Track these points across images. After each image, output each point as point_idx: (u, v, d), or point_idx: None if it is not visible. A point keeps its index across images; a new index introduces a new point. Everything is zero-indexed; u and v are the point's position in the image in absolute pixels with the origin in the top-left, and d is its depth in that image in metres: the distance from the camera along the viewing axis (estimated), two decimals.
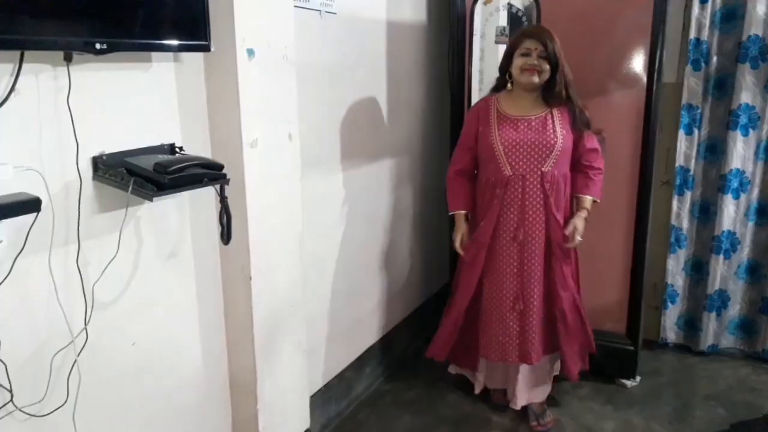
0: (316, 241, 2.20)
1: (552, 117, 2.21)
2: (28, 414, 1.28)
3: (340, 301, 2.43)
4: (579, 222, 2.25)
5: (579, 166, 2.28)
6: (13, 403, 1.25)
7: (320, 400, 2.33)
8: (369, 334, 2.71)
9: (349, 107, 2.34)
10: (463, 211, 2.34)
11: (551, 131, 2.19)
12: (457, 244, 2.34)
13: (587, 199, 2.27)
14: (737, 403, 2.58)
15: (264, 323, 1.83)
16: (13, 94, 1.19)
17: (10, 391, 1.23)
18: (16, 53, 1.18)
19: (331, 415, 2.44)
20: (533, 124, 2.20)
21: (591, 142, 2.27)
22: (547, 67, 2.14)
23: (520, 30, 2.26)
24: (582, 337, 2.40)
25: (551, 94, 2.19)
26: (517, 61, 2.16)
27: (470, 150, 2.31)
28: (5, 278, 1.20)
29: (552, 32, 2.15)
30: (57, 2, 1.19)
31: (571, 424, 2.44)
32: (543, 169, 2.19)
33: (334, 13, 2.16)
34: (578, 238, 2.23)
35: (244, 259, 1.74)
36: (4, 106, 1.17)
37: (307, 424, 2.13)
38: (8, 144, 1.19)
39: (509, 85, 2.24)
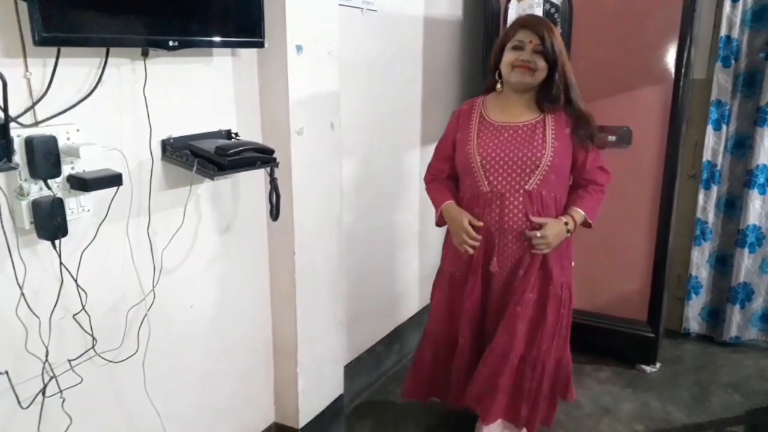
0: (354, 221, 2.38)
1: (544, 125, 1.86)
2: (106, 360, 1.49)
3: (374, 279, 2.61)
4: (554, 226, 1.85)
5: (578, 183, 1.96)
6: (95, 350, 1.46)
7: (353, 370, 2.51)
8: (400, 312, 2.88)
9: (386, 99, 2.51)
10: (451, 201, 1.99)
11: (539, 142, 1.83)
12: (468, 228, 1.90)
13: (575, 210, 1.90)
14: (756, 391, 2.66)
15: (305, 294, 2.02)
16: (99, 85, 1.38)
17: (93, 337, 1.44)
18: (103, 50, 1.38)
19: (362, 385, 2.62)
20: (520, 132, 1.86)
21: (596, 158, 1.93)
22: (543, 64, 1.80)
23: (515, 20, 1.92)
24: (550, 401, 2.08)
25: (547, 97, 1.85)
26: (508, 56, 1.83)
27: (447, 159, 2.03)
28: (91, 242, 1.40)
29: (551, 23, 1.85)
30: (138, 6, 1.38)
31: (590, 405, 2.56)
32: (526, 187, 1.84)
33: (375, 11, 2.32)
34: (538, 234, 1.84)
35: (289, 235, 1.92)
36: (93, 95, 1.37)
37: (340, 391, 2.32)
38: (96, 127, 1.39)
39: (498, 85, 1.91)
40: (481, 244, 1.92)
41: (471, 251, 1.93)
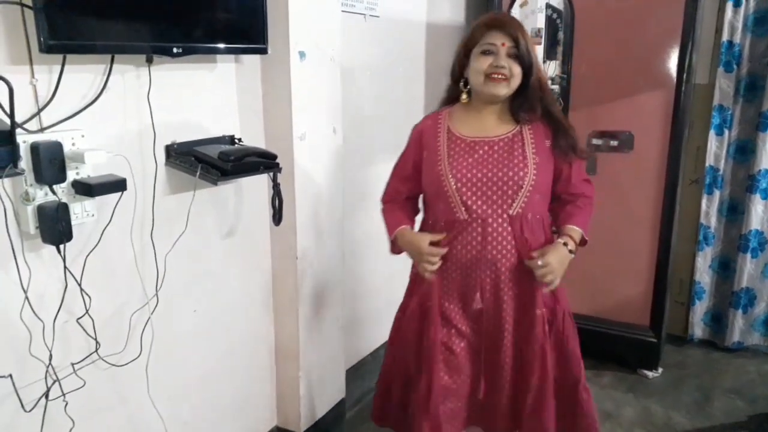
0: (355, 226, 2.39)
1: (522, 139, 1.61)
2: (109, 363, 1.51)
3: (376, 283, 2.62)
4: (555, 251, 1.59)
5: (564, 197, 1.71)
6: (98, 353, 1.47)
7: (355, 374, 2.52)
8: None
9: (389, 103, 2.52)
10: (406, 225, 1.73)
11: (519, 159, 1.58)
12: (427, 252, 1.63)
13: (570, 228, 1.65)
14: (758, 396, 2.65)
15: (307, 298, 2.03)
16: (105, 91, 1.40)
17: (96, 341, 1.46)
18: (108, 57, 1.39)
19: (364, 390, 2.62)
20: (496, 149, 1.60)
21: (580, 170, 1.70)
22: (518, 69, 1.55)
23: (479, 19, 1.63)
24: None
25: (523, 106, 1.60)
26: (478, 63, 1.55)
27: (406, 180, 1.75)
28: (95, 246, 1.42)
29: (519, 21, 1.60)
30: (142, 13, 1.40)
31: None
32: (510, 212, 1.59)
33: (378, 17, 2.33)
34: (539, 263, 1.56)
35: (291, 240, 1.93)
36: (98, 101, 1.39)
37: (342, 394, 2.33)
38: (101, 133, 1.41)
39: (464, 96, 1.64)
40: (456, 277, 1.66)
41: (433, 269, 1.63)
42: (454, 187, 1.59)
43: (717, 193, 2.94)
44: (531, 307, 1.65)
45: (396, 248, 1.77)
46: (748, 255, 2.90)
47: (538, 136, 1.62)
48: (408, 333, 1.78)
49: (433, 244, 1.63)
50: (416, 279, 1.78)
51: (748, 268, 2.92)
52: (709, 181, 2.93)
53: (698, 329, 3.11)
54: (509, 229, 1.60)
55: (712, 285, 3.06)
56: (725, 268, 3.02)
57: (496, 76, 1.54)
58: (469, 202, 1.59)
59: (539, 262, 1.57)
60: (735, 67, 2.78)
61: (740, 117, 2.85)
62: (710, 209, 2.96)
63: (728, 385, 2.74)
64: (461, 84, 1.65)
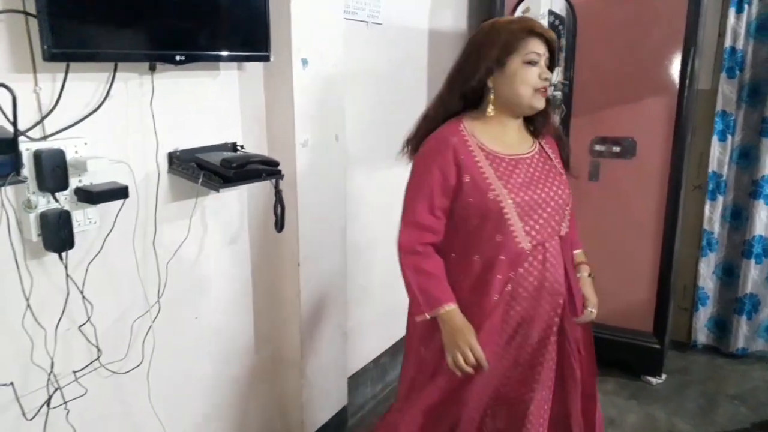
0: (358, 233, 2.39)
1: (546, 154, 1.54)
2: (111, 371, 1.51)
3: (378, 290, 2.61)
4: (588, 286, 1.62)
5: None
6: (99, 361, 1.47)
7: (357, 381, 2.51)
8: (404, 324, 2.86)
9: (391, 110, 2.52)
10: (455, 305, 1.46)
11: (558, 175, 1.52)
12: (477, 348, 1.42)
13: (581, 254, 1.66)
14: (763, 403, 2.63)
15: (309, 305, 2.02)
16: (107, 99, 1.40)
17: (98, 348, 1.45)
18: (111, 65, 1.40)
19: (366, 397, 2.62)
20: (535, 166, 1.50)
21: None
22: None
23: (510, 19, 1.50)
24: None
25: (544, 119, 1.53)
26: (525, 74, 1.42)
27: (439, 219, 1.49)
28: (97, 254, 1.42)
29: None
30: (145, 22, 1.40)
31: None
32: (561, 232, 1.50)
33: (380, 24, 2.33)
34: (593, 311, 1.60)
35: (293, 247, 1.93)
36: (100, 109, 1.39)
37: (344, 402, 2.32)
38: (104, 140, 1.41)
39: (491, 108, 1.47)
40: (515, 312, 1.48)
41: (467, 371, 1.43)
42: (516, 213, 1.41)
43: (720, 199, 2.93)
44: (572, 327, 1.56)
45: (423, 315, 1.48)
46: (752, 261, 2.89)
47: (553, 150, 1.58)
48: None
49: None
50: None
51: (752, 274, 2.91)
52: (713, 186, 2.92)
53: (702, 335, 3.10)
54: (558, 249, 1.49)
55: (716, 291, 3.05)
56: (729, 274, 3.01)
57: (543, 90, 1.43)
58: (533, 232, 1.43)
59: (593, 312, 1.59)
60: (738, 72, 2.78)
61: (743, 123, 2.84)
62: (713, 215, 2.95)
63: (732, 392, 2.73)
64: (491, 95, 1.46)
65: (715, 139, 2.87)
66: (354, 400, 2.47)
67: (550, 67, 1.45)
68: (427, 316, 1.46)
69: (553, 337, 1.51)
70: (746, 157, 2.87)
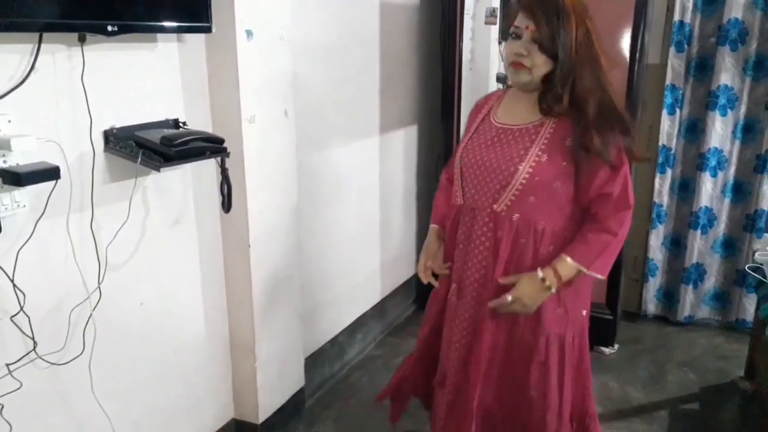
0: (312, 212, 2.33)
1: (540, 131, 1.44)
2: (49, 362, 1.42)
3: (334, 270, 2.57)
4: (527, 283, 1.43)
5: (585, 219, 1.48)
6: (36, 352, 1.39)
7: (314, 362, 2.48)
8: (361, 302, 2.85)
9: (343, 85, 2.45)
10: (436, 226, 1.68)
11: (519, 152, 1.43)
12: (420, 267, 1.65)
13: (561, 259, 1.43)
14: (709, 369, 2.73)
15: (262, 288, 1.97)
16: (33, 72, 1.30)
17: (33, 340, 1.37)
18: (36, 35, 1.29)
19: (325, 377, 2.59)
20: (509, 137, 1.47)
21: (608, 182, 1.41)
22: (542, 58, 1.37)
23: None
24: None
25: (545, 98, 1.42)
26: (506, 48, 1.44)
27: None
28: (28, 239, 1.33)
29: (568, 2, 1.37)
30: None
31: None
32: (495, 206, 1.46)
33: None
34: (509, 299, 1.44)
35: (243, 228, 1.87)
36: (25, 83, 1.29)
37: (301, 384, 2.29)
38: (30, 118, 1.31)
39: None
40: (455, 261, 1.60)
41: (425, 281, 1.66)
42: (460, 170, 1.55)
43: (669, 172, 2.99)
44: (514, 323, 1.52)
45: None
46: (698, 231, 2.97)
47: (558, 133, 1.42)
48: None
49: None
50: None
51: (698, 244, 2.99)
52: (662, 160, 2.98)
53: (651, 305, 3.18)
54: (491, 225, 1.47)
55: (665, 262, 3.13)
56: (677, 244, 3.09)
57: (515, 63, 1.39)
58: (466, 189, 1.53)
59: (509, 297, 1.44)
60: (686, 46, 2.82)
61: (691, 96, 2.89)
62: (663, 188, 3.02)
63: (680, 359, 2.82)
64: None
65: (664, 113, 2.91)
66: (312, 381, 2.44)
67: (542, 42, 1.36)
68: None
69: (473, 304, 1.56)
70: (693, 130, 2.93)
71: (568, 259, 1.42)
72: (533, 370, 1.52)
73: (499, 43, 1.42)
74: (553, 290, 1.44)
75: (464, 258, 1.55)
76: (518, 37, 1.39)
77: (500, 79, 3.01)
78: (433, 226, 1.69)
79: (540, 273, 1.43)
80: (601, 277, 1.46)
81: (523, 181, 1.41)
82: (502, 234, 1.47)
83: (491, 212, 1.47)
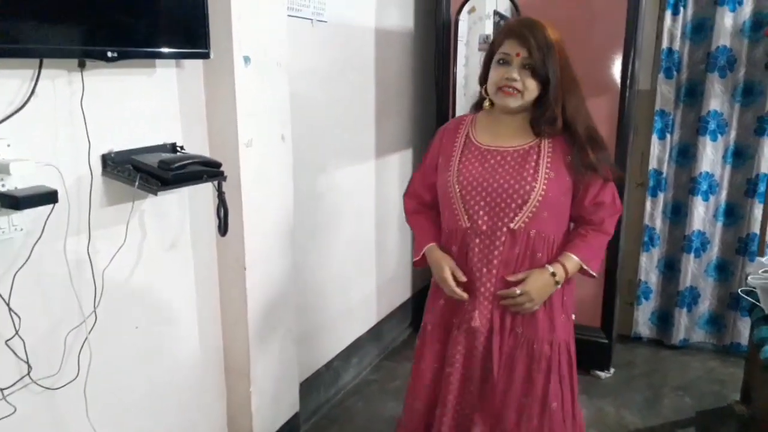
0: (307, 235, 2.34)
1: (539, 152, 1.53)
2: (43, 387, 1.41)
3: (329, 293, 2.57)
4: (537, 278, 1.54)
5: (577, 222, 1.63)
6: (30, 377, 1.38)
7: (309, 386, 2.46)
8: (357, 326, 2.84)
9: (338, 110, 2.48)
10: (433, 243, 1.67)
11: (530, 172, 1.51)
12: (450, 282, 1.59)
13: (566, 256, 1.57)
14: (704, 393, 2.73)
15: (257, 311, 1.96)
16: (33, 97, 1.32)
17: (28, 364, 1.36)
18: (36, 60, 1.31)
19: (320, 402, 2.57)
20: (509, 159, 1.54)
21: (600, 192, 1.57)
22: (533, 83, 1.47)
23: (508, 22, 1.62)
24: None
25: (541, 119, 1.52)
26: (493, 74, 1.51)
27: (430, 187, 1.71)
28: (25, 262, 1.33)
29: (545, 26, 1.50)
30: (73, 15, 1.32)
31: None
32: (511, 225, 1.53)
33: (325, 22, 2.30)
34: (518, 292, 1.54)
35: (239, 251, 1.87)
36: (25, 108, 1.30)
37: (296, 408, 2.27)
38: (29, 142, 1.32)
39: (487, 103, 1.59)
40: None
41: (460, 296, 1.61)
42: (459, 194, 1.56)
43: (661, 196, 3.02)
44: (530, 334, 1.60)
45: (421, 262, 1.71)
46: (692, 255, 2.99)
47: (557, 151, 1.53)
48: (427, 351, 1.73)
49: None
50: (434, 295, 1.74)
51: (691, 268, 3.01)
52: (653, 184, 3.01)
53: (645, 328, 3.19)
54: (507, 243, 1.54)
55: (658, 285, 3.15)
56: (670, 268, 3.11)
57: (506, 89, 1.48)
58: (471, 211, 1.55)
59: (517, 290, 1.53)
60: (675, 73, 2.88)
61: (681, 121, 2.94)
62: (655, 211, 3.04)
63: (676, 383, 2.81)
64: (484, 91, 1.58)
65: (654, 137, 2.96)
66: (307, 406, 2.42)
67: (534, 68, 1.46)
68: (417, 255, 1.71)
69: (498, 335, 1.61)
70: (684, 155, 2.97)
71: (573, 257, 1.56)
72: (553, 381, 1.60)
73: (481, 84, 1.59)
74: (559, 285, 1.57)
75: (482, 280, 1.59)
76: (506, 63, 1.48)
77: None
78: (431, 245, 1.67)
79: (550, 268, 1.55)
80: (595, 274, 1.60)
81: (540, 198, 1.51)
82: (519, 250, 1.56)
83: (508, 231, 1.54)
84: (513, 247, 1.55)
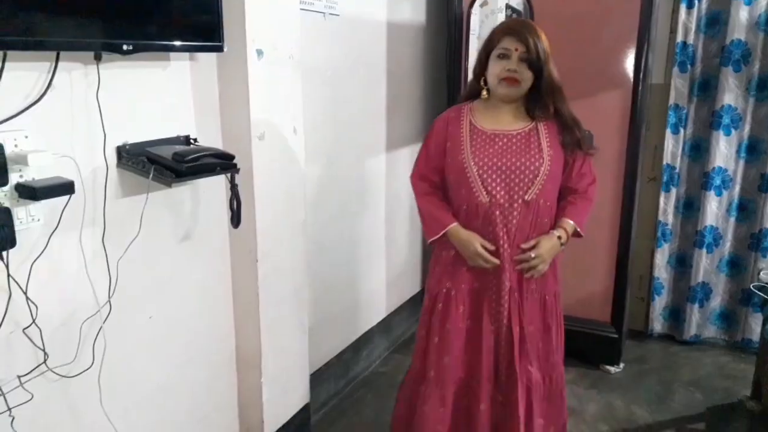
0: (319, 228, 2.35)
1: (537, 133, 1.79)
2: (59, 375, 1.44)
3: (340, 285, 2.58)
4: (547, 242, 1.79)
5: (564, 191, 1.88)
6: (46, 365, 1.40)
7: (320, 378, 2.48)
8: (367, 318, 2.86)
9: (350, 103, 2.49)
10: (456, 223, 1.84)
11: (536, 150, 1.77)
12: (485, 254, 1.79)
13: (565, 221, 1.83)
14: (715, 388, 2.72)
15: (269, 303, 1.98)
16: (50, 90, 1.33)
17: (44, 352, 1.39)
18: (53, 54, 1.33)
19: (330, 393, 2.59)
20: (514, 141, 1.79)
21: (583, 165, 1.86)
22: (529, 73, 1.72)
23: (500, 24, 1.86)
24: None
25: (536, 105, 1.79)
26: (494, 67, 1.74)
27: (437, 170, 1.89)
28: (41, 253, 1.35)
29: (537, 27, 1.75)
30: (90, 9, 1.34)
31: None
32: (526, 197, 1.77)
33: (338, 15, 2.30)
34: (533, 255, 1.78)
35: (251, 243, 1.89)
36: (42, 100, 1.32)
37: (307, 399, 2.29)
38: (46, 134, 1.34)
39: (484, 92, 1.81)
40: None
41: (493, 262, 1.80)
42: (477, 173, 1.77)
43: (674, 191, 3.01)
44: (541, 289, 1.87)
45: (435, 239, 1.87)
46: (704, 250, 2.98)
47: (551, 132, 1.81)
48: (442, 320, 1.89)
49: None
50: (440, 261, 1.91)
51: (703, 263, 3.00)
52: (666, 178, 2.99)
53: (657, 324, 3.17)
54: (523, 212, 1.78)
55: (670, 280, 3.13)
56: (682, 263, 3.09)
57: (509, 79, 1.72)
58: (489, 188, 1.77)
59: (532, 254, 1.78)
60: (689, 67, 2.85)
61: (695, 116, 2.92)
62: (668, 206, 3.03)
63: (687, 378, 2.81)
64: (482, 82, 1.81)
65: (668, 132, 2.94)
66: (317, 397, 2.44)
67: (531, 60, 1.70)
68: (435, 234, 1.86)
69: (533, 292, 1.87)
70: (697, 149, 2.95)
71: (570, 221, 1.83)
72: (557, 332, 1.92)
73: (477, 76, 1.85)
74: (564, 245, 1.83)
75: (507, 246, 1.80)
76: (506, 57, 1.72)
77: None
78: (455, 224, 1.83)
79: (556, 233, 1.81)
80: (583, 234, 1.86)
81: (547, 173, 1.78)
82: (531, 218, 1.80)
83: (522, 202, 1.78)
84: (527, 216, 1.79)
